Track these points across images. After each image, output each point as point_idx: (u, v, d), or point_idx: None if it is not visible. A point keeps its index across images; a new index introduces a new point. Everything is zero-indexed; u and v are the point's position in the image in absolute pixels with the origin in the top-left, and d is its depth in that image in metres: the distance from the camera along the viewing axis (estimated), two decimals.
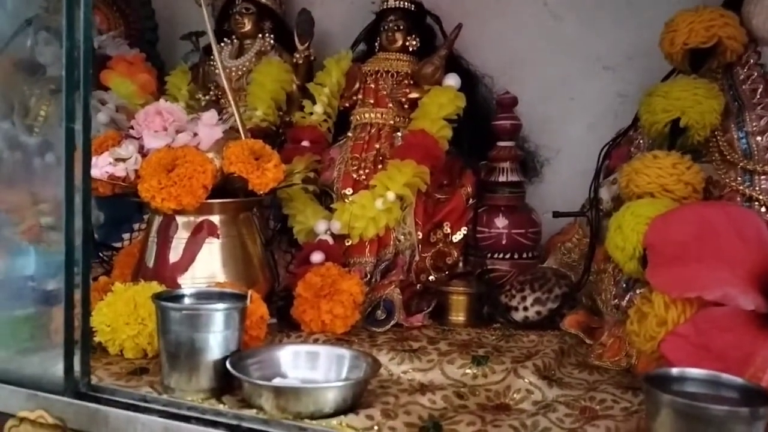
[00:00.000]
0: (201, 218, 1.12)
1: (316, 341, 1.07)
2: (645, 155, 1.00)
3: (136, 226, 1.51)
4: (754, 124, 1.00)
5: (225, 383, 0.86)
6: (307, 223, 1.30)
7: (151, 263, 1.13)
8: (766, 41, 1.04)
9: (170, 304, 0.86)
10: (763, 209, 0.95)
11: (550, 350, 1.02)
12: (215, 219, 1.13)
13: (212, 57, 1.56)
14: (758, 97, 1.01)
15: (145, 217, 1.49)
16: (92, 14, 0.85)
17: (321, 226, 1.28)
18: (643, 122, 1.07)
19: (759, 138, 0.99)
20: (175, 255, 1.11)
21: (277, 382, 0.85)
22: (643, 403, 0.83)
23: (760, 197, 0.96)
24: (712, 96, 1.00)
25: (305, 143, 1.39)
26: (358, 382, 0.82)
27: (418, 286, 1.28)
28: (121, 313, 1.00)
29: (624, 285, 1.04)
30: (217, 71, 1.54)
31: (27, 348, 1.01)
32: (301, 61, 1.49)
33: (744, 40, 1.04)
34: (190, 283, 1.10)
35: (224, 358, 0.85)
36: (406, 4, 1.40)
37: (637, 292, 1.00)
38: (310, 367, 0.89)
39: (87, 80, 0.81)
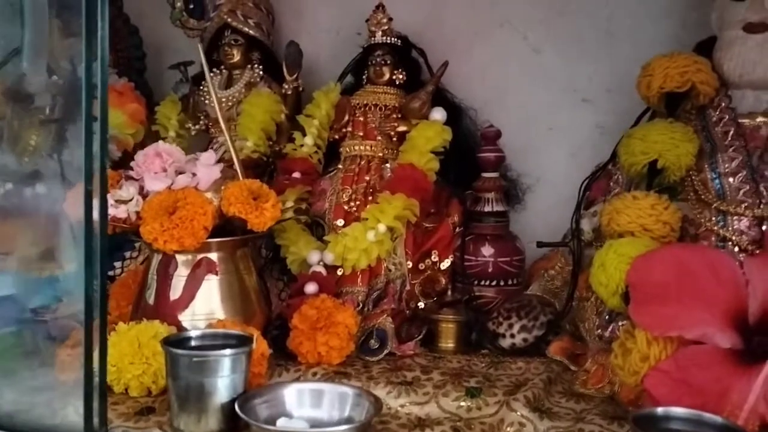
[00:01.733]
0: (200, 256, 1.15)
1: (314, 375, 1.12)
2: (625, 196, 1.06)
3: (127, 254, 1.52)
4: (726, 165, 1.06)
5: (233, 424, 0.90)
6: (300, 253, 1.34)
7: (151, 300, 1.16)
8: (736, 85, 1.10)
9: (180, 351, 0.90)
10: (737, 249, 1.02)
11: (539, 380, 1.08)
12: (213, 256, 1.16)
13: (201, 87, 1.59)
14: (729, 139, 1.08)
15: (137, 245, 1.51)
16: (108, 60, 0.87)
17: (314, 257, 1.32)
18: (622, 162, 1.13)
19: (731, 179, 1.06)
20: (175, 292, 1.14)
21: (282, 423, 0.88)
22: None
23: (734, 237, 1.03)
24: (687, 139, 1.06)
25: (296, 174, 1.43)
26: (363, 424, 0.87)
27: (408, 312, 1.33)
28: (126, 353, 1.03)
29: (607, 317, 1.10)
30: (206, 101, 1.58)
31: (32, 387, 1.03)
32: (289, 92, 1.53)
33: (716, 84, 1.11)
34: (189, 319, 1.13)
35: (232, 400, 0.89)
36: (392, 39, 1.44)
37: (620, 324, 1.06)
38: (315, 405, 0.93)
39: (104, 138, 0.83)
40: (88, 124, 0.83)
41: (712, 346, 0.87)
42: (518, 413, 0.96)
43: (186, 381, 0.88)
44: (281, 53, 1.54)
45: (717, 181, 1.07)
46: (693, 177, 1.09)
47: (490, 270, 1.36)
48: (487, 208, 1.39)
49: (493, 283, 1.36)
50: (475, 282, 1.36)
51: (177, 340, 0.95)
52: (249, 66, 1.58)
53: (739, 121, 1.09)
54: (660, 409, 0.77)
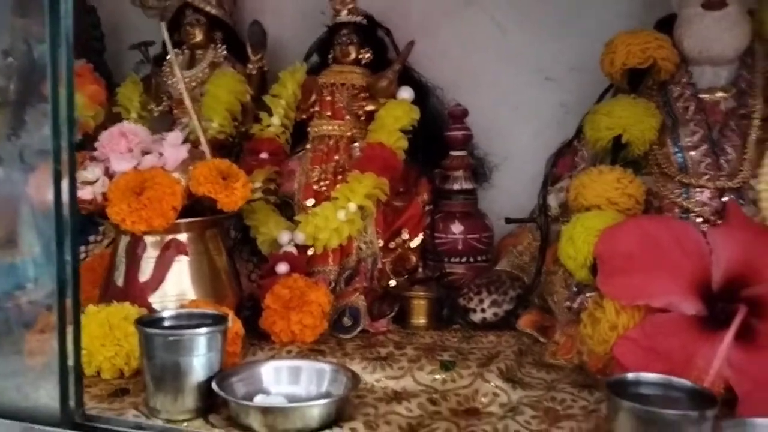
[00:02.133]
0: (169, 237, 1.13)
1: (289, 353, 1.12)
2: (591, 170, 1.09)
3: (91, 238, 1.49)
4: (687, 139, 1.10)
5: (210, 403, 0.90)
6: (271, 234, 1.33)
7: (120, 282, 1.14)
8: (695, 62, 1.13)
9: (155, 331, 0.89)
10: (699, 220, 1.05)
11: (510, 352, 1.10)
12: (183, 237, 1.14)
13: (163, 68, 1.56)
14: (690, 114, 1.11)
15: (101, 228, 1.49)
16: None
17: (284, 237, 1.31)
18: (588, 138, 1.15)
19: (693, 153, 1.09)
20: (144, 274, 1.13)
21: (260, 399, 0.89)
22: (599, 401, 0.92)
23: (696, 209, 1.06)
24: (650, 115, 1.09)
25: (264, 155, 1.41)
26: (341, 398, 0.87)
27: (380, 290, 1.33)
28: (97, 335, 1.02)
29: (575, 289, 1.12)
30: (169, 82, 1.55)
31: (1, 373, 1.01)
32: (254, 72, 1.51)
33: (676, 60, 1.14)
34: (159, 301, 1.12)
35: (209, 379, 0.89)
36: (357, 18, 1.44)
37: (587, 295, 1.09)
38: (293, 381, 0.93)
39: (71, 117, 0.82)
40: (55, 103, 0.81)
41: (677, 313, 0.90)
42: (492, 384, 0.98)
43: (161, 361, 0.88)
44: (245, 33, 1.52)
45: (679, 154, 1.10)
46: (656, 151, 1.12)
47: (459, 247, 1.38)
48: (456, 186, 1.41)
49: (463, 259, 1.38)
50: (446, 259, 1.38)
51: (151, 321, 0.94)
52: (212, 46, 1.56)
53: (699, 96, 1.12)
54: (631, 375, 0.80)
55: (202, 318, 0.96)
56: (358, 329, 1.22)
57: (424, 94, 1.44)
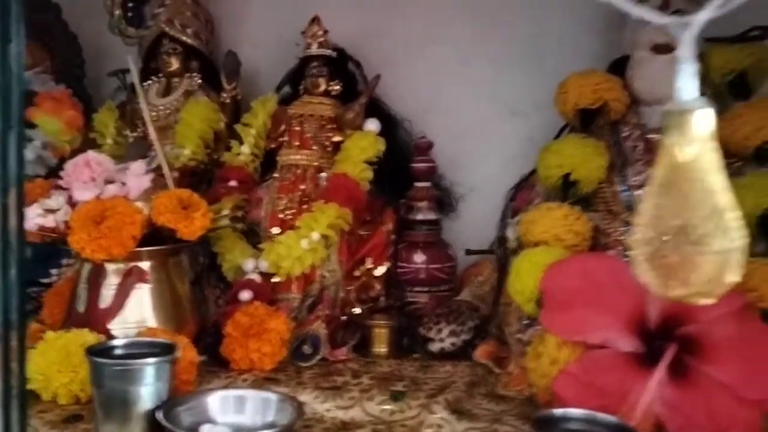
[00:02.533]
0: (130, 265, 1.16)
1: (245, 380, 1.14)
2: (540, 206, 1.12)
3: (64, 261, 1.52)
4: (634, 178, 1.13)
5: None
6: (236, 261, 1.36)
7: (81, 309, 1.16)
8: (645, 103, 1.17)
9: (103, 360, 0.91)
10: None
11: (462, 383, 1.12)
12: (144, 265, 1.17)
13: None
14: (639, 153, 1.14)
15: (73, 252, 1.51)
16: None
17: (249, 265, 1.34)
18: (539, 175, 1.18)
19: (639, 191, 1.12)
20: (104, 301, 1.15)
21: (206, 430, 0.91)
22: None
23: None
24: (598, 154, 1.13)
25: (233, 183, 1.44)
26: (286, 428, 0.89)
27: (343, 318, 1.36)
28: (54, 361, 1.04)
29: (526, 321, 1.14)
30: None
31: None
32: (228, 101, 1.55)
33: (626, 101, 1.17)
34: (120, 328, 1.14)
35: (156, 408, 0.91)
36: (328, 51, 1.48)
37: (537, 328, 1.11)
38: (238, 411, 0.95)
39: (20, 151, 0.84)
40: (5, 135, 0.83)
41: (615, 350, 0.93)
42: (437, 415, 1.00)
43: (109, 389, 0.90)
44: (221, 63, 1.56)
45: (626, 193, 1.13)
46: (605, 189, 1.15)
47: (422, 276, 1.41)
48: (420, 217, 1.44)
49: (425, 289, 1.41)
50: (408, 288, 1.40)
51: (102, 349, 0.97)
52: (187, 75, 1.59)
53: (648, 136, 1.15)
54: (558, 411, 0.82)
55: (153, 347, 0.98)
56: (318, 357, 1.24)
57: (392, 126, 1.48)
